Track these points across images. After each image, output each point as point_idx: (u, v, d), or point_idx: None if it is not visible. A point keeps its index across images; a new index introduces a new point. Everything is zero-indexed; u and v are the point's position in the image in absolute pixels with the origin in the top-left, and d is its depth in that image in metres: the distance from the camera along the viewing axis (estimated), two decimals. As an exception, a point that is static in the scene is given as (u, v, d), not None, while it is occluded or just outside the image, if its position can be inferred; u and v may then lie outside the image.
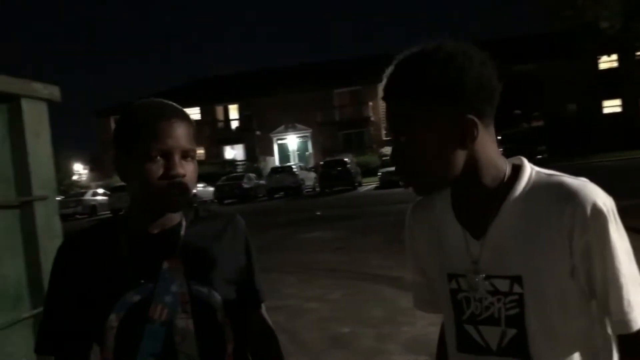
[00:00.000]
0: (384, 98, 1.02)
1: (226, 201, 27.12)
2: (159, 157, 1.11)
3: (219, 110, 43.11)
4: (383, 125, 38.96)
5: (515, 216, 1.00)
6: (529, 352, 1.00)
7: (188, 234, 1.21)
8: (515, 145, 22.75)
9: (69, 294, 1.18)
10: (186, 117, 1.18)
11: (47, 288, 1.23)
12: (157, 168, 1.11)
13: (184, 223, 1.23)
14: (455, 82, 0.95)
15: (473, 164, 1.00)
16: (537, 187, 1.00)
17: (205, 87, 44.08)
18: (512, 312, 1.00)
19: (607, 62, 33.96)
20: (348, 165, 26.85)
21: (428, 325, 4.82)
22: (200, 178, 29.28)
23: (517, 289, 0.99)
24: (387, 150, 35.01)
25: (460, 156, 0.99)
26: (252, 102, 40.32)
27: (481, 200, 1.03)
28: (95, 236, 1.24)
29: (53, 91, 2.39)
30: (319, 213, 9.55)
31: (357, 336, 4.80)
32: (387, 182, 24.90)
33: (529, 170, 1.03)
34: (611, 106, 35.13)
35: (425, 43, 0.99)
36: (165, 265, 1.15)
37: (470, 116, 0.96)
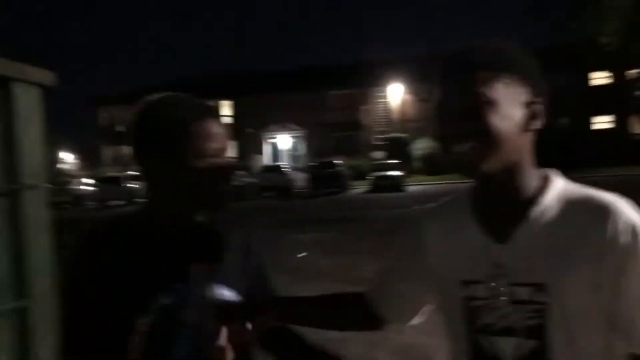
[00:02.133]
0: (470, 69, 0.96)
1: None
2: (210, 156, 1.13)
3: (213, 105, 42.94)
4: (375, 129, 39.04)
5: (544, 223, 0.97)
6: None
7: (214, 238, 1.22)
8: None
9: (98, 297, 1.10)
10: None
11: (70, 289, 1.15)
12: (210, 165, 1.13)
13: (207, 227, 1.22)
14: (533, 68, 1.00)
15: (523, 153, 1.00)
16: (570, 198, 0.99)
17: (198, 83, 43.85)
18: (532, 322, 0.96)
19: (600, 78, 34.21)
20: (339, 168, 26.84)
21: (418, 335, 4.77)
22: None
23: (540, 297, 0.95)
24: (379, 154, 35.06)
25: (523, 139, 0.98)
26: (246, 100, 40.22)
27: (510, 203, 1.00)
28: (120, 232, 1.17)
29: (46, 76, 2.30)
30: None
31: (346, 342, 4.72)
32: (377, 187, 24.94)
33: (561, 180, 1.02)
34: (602, 122, 35.39)
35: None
36: (194, 268, 1.14)
37: (540, 99, 0.99)
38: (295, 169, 30.28)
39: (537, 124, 0.99)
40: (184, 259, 1.14)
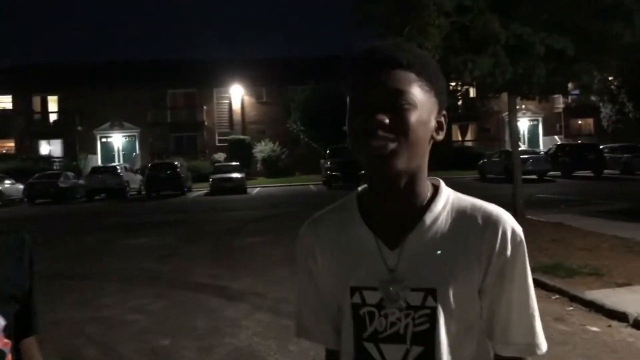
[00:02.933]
0: (390, 66, 0.95)
1: (38, 201, 24.64)
2: None
3: (36, 100, 39.19)
4: (217, 130, 38.59)
5: (434, 230, 0.99)
6: None
7: None
8: (341, 160, 24.01)
9: None
10: None
11: None
12: None
13: None
14: (444, 84, 1.01)
15: (424, 161, 1.00)
16: (457, 206, 1.02)
17: (21, 74, 39.71)
18: (421, 327, 0.97)
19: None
20: (178, 169, 26.07)
21: (252, 336, 4.81)
22: (10, 174, 26.32)
23: (430, 302, 0.97)
24: (220, 156, 34.70)
25: (427, 147, 1.00)
26: (75, 94, 37.26)
27: (404, 209, 1.00)
28: None
29: None
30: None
31: (178, 348, 4.61)
32: (218, 189, 24.64)
33: (448, 189, 1.05)
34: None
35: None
36: None
37: (445, 113, 1.02)
38: (130, 170, 28.79)
39: (441, 136, 1.01)
40: None
